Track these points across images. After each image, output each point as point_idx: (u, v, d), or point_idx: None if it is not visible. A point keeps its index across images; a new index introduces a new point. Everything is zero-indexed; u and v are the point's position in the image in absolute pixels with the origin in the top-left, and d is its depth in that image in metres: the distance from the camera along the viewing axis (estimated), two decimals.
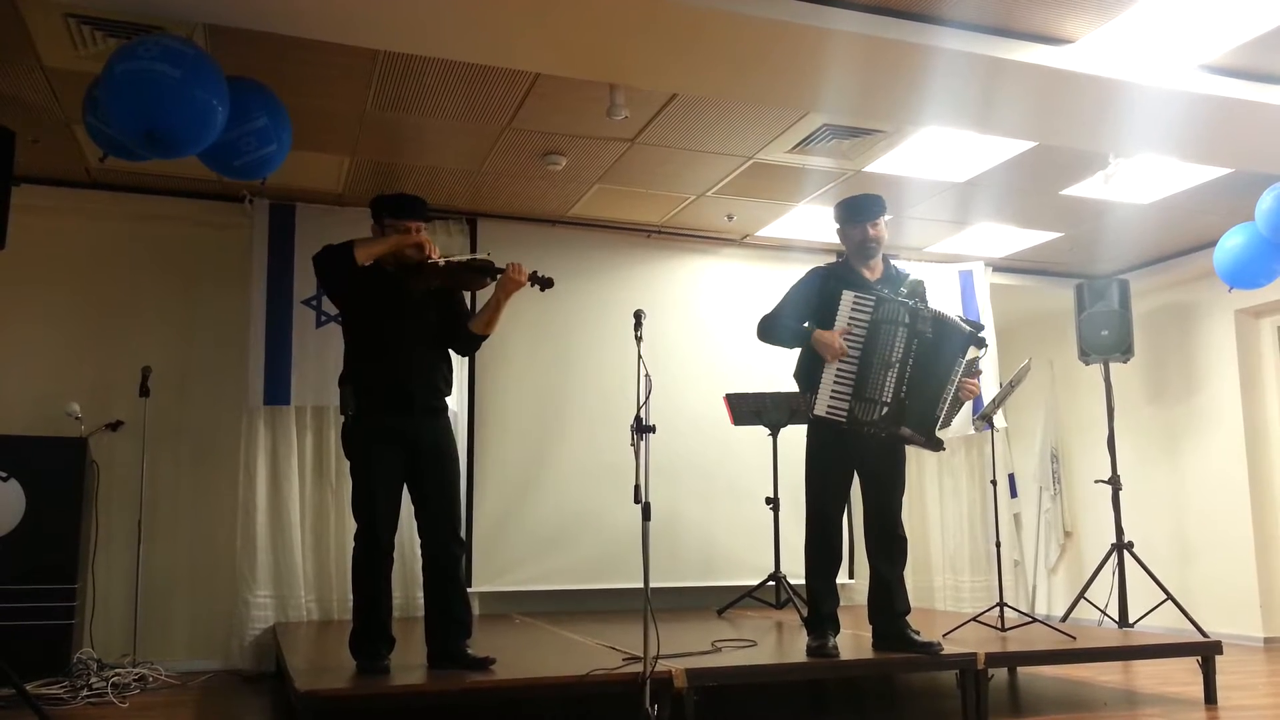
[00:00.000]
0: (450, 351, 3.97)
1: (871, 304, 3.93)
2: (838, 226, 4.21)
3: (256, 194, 5.61)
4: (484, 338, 3.94)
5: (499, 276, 3.81)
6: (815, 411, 3.92)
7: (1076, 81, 3.97)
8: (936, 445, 4.03)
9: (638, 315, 3.57)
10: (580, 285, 6.14)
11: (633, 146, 5.10)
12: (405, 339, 3.74)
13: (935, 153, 5.17)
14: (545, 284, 3.83)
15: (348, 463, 5.28)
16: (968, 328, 4.00)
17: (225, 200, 5.67)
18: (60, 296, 5.54)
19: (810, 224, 6.31)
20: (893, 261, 4.28)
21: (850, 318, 3.92)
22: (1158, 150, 4.81)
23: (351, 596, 3.76)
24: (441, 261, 3.77)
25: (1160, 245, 6.82)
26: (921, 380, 3.92)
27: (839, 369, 3.90)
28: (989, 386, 6.79)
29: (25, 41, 3.94)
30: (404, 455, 3.73)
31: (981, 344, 4.04)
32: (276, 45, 3.88)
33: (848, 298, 3.93)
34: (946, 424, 4.02)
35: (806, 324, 4.05)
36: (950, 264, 7.02)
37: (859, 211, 4.12)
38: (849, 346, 3.91)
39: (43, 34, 3.88)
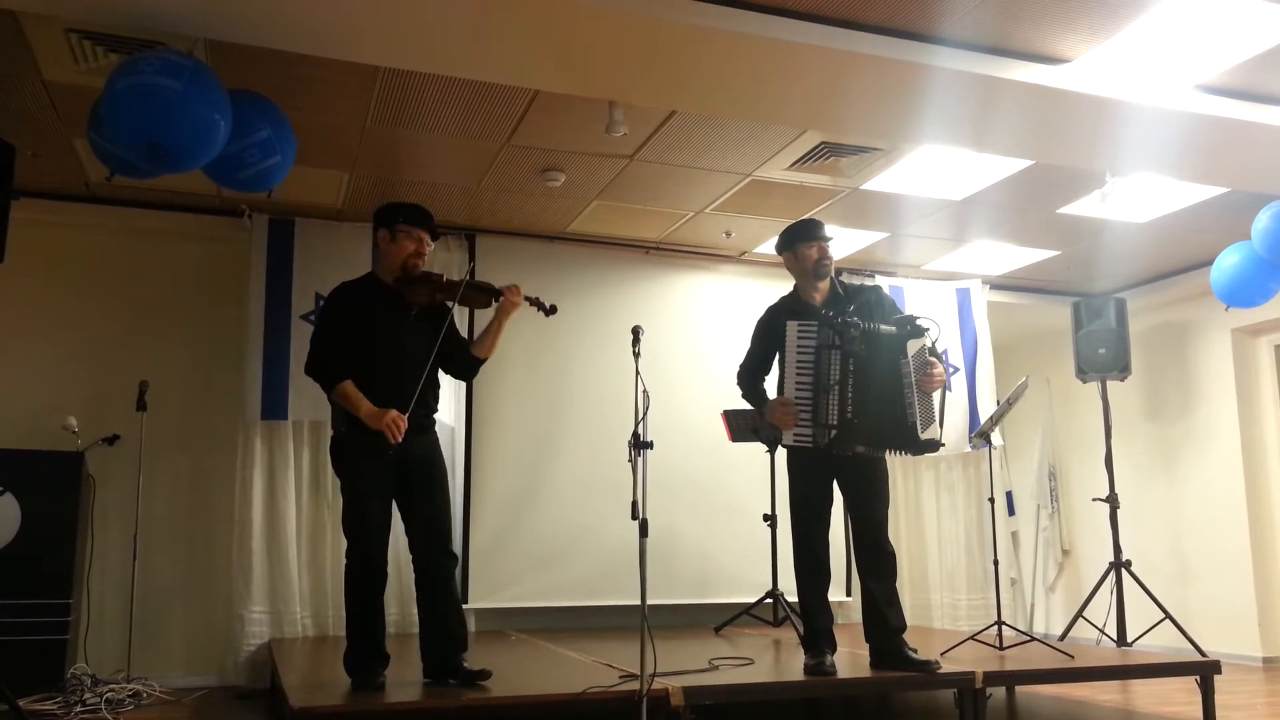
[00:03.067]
0: (441, 371, 3.98)
1: (813, 330, 3.95)
2: (789, 253, 4.19)
3: (256, 209, 5.63)
4: (483, 361, 4.00)
5: (498, 299, 3.86)
6: (784, 442, 3.99)
7: (1073, 101, 3.99)
8: (926, 447, 3.96)
9: (635, 331, 3.60)
10: (578, 301, 6.15)
11: (631, 163, 5.12)
12: (400, 354, 3.75)
13: (932, 171, 5.19)
14: (550, 310, 3.91)
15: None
16: (894, 329, 3.96)
17: (224, 215, 5.68)
18: (58, 310, 5.54)
19: None
20: (840, 280, 4.25)
21: (798, 347, 3.96)
22: (1154, 169, 4.83)
23: (345, 614, 3.73)
24: (443, 276, 3.82)
25: (1157, 264, 6.84)
26: (871, 396, 3.90)
27: (798, 396, 3.93)
28: (986, 404, 6.81)
29: (26, 56, 3.95)
30: (395, 471, 3.73)
31: (921, 332, 3.96)
32: (277, 60, 3.90)
33: (791, 329, 3.97)
34: (930, 420, 3.95)
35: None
36: (947, 281, 7.03)
37: (809, 231, 4.16)
38: (800, 375, 3.93)
39: (44, 49, 3.90)
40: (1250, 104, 4.18)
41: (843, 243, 6.29)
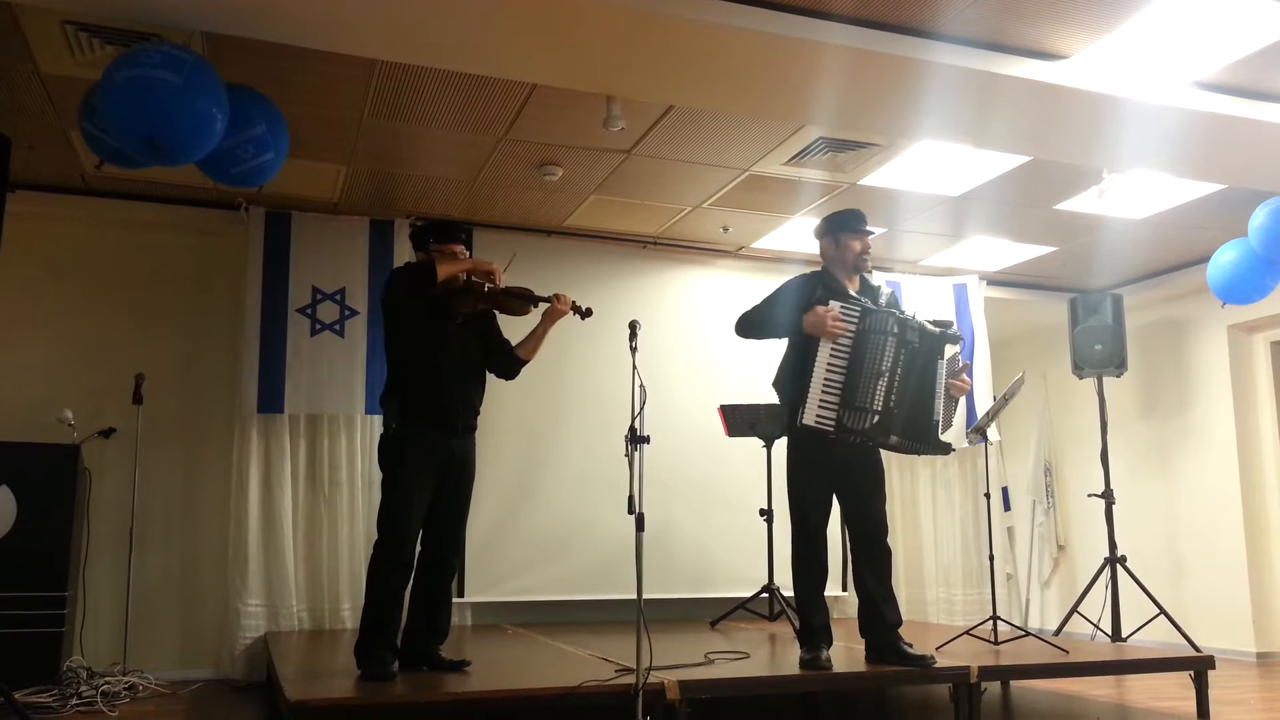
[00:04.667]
0: (487, 374, 4.13)
1: (857, 314, 3.95)
2: (829, 239, 4.21)
3: (252, 202, 5.61)
4: (526, 362, 4.18)
5: (545, 306, 4.06)
6: (804, 420, 3.90)
7: (1071, 97, 3.99)
8: (944, 448, 4.06)
9: (633, 326, 3.61)
10: (575, 295, 6.07)
11: (629, 158, 5.11)
12: (450, 359, 3.88)
13: (930, 166, 5.19)
14: (586, 314, 4.10)
15: (343, 471, 5.30)
16: (937, 329, 4.03)
17: (221, 208, 5.67)
18: (54, 303, 5.53)
19: (805, 236, 6.30)
20: (866, 276, 4.29)
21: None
22: (1151, 166, 4.84)
23: (364, 603, 3.77)
24: (486, 286, 3.96)
25: (1154, 260, 6.85)
26: (910, 388, 3.94)
27: (826, 378, 3.90)
28: (982, 399, 6.81)
29: (22, 48, 3.94)
30: (439, 469, 3.85)
31: (958, 339, 4.08)
32: (274, 54, 3.89)
33: (834, 307, 3.96)
34: (949, 424, 4.05)
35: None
36: (944, 277, 7.03)
37: (856, 223, 4.18)
38: (835, 356, 3.91)
39: (40, 40, 3.89)
40: (1248, 101, 4.19)
41: None
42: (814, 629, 4.03)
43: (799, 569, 4.08)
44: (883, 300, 4.12)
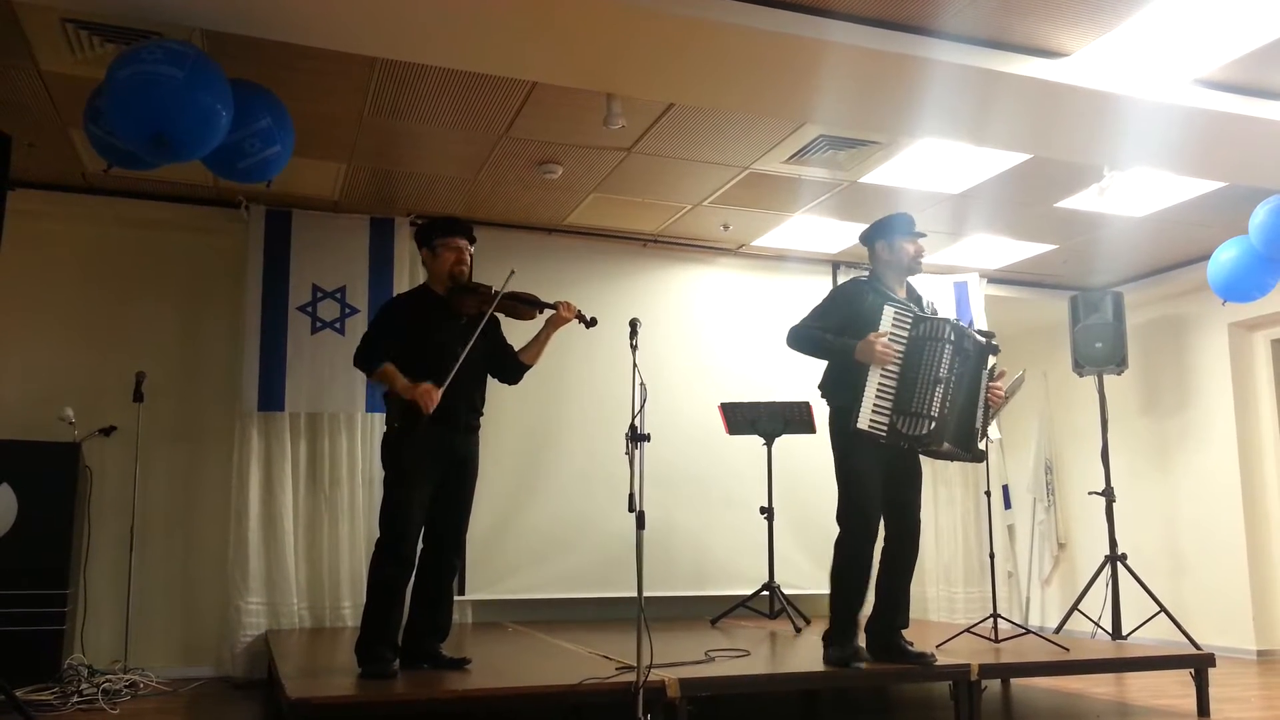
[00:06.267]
0: (489, 376, 4.16)
1: (910, 320, 3.95)
2: (883, 242, 4.17)
3: (253, 200, 5.61)
4: (529, 367, 4.21)
5: (549, 313, 4.08)
6: (858, 425, 3.86)
7: (1072, 94, 3.99)
8: (980, 456, 4.10)
9: (633, 324, 3.62)
10: (576, 294, 6.03)
11: (629, 156, 5.11)
12: (450, 359, 3.87)
13: (931, 164, 5.19)
14: (590, 323, 4.11)
15: (344, 469, 5.30)
16: (983, 338, 4.07)
17: (221, 206, 5.66)
18: (55, 301, 5.53)
19: (806, 234, 6.32)
20: (910, 281, 4.30)
21: (891, 336, 3.92)
22: (1152, 163, 4.83)
23: (365, 601, 3.79)
24: (493, 289, 3.99)
25: (1154, 258, 6.84)
26: (960, 396, 3.96)
27: (880, 383, 3.88)
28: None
29: (22, 46, 3.94)
30: (440, 470, 3.87)
31: (997, 350, 4.11)
32: (274, 52, 3.89)
33: (889, 312, 3.95)
34: (984, 433, 4.10)
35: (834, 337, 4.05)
36: (945, 275, 7.02)
37: (910, 227, 4.18)
38: (890, 362, 3.90)
39: (40, 38, 3.89)
40: (1248, 98, 4.18)
41: (841, 236, 6.29)
42: (857, 622, 4.02)
43: (849, 569, 4.01)
44: (926, 306, 4.14)
